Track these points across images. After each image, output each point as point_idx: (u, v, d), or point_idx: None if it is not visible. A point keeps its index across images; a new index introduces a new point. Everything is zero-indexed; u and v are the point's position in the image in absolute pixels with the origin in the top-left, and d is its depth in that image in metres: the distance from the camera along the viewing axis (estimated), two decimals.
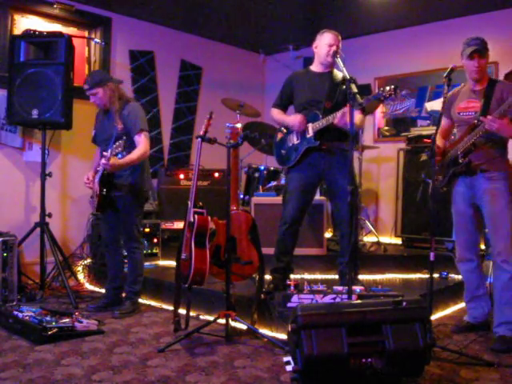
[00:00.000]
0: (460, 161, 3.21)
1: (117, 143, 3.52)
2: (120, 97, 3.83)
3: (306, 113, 3.63)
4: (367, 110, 3.84)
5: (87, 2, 5.27)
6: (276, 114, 3.82)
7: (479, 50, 3.12)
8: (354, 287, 3.18)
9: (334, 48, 3.50)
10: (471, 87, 3.28)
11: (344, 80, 3.04)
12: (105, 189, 3.70)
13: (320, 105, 3.57)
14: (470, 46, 3.13)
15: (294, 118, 3.63)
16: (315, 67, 3.70)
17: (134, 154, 3.68)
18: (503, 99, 3.07)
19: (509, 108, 2.98)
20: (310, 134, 3.58)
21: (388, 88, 3.12)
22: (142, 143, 3.73)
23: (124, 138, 3.59)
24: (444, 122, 3.41)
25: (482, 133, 3.08)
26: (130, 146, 3.71)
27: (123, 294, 4.05)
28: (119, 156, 3.61)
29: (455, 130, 3.53)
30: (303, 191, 3.65)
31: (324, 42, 3.58)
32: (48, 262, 4.54)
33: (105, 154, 3.53)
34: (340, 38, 3.58)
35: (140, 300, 4.08)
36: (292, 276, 3.83)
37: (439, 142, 3.36)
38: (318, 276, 4.30)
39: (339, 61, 3.32)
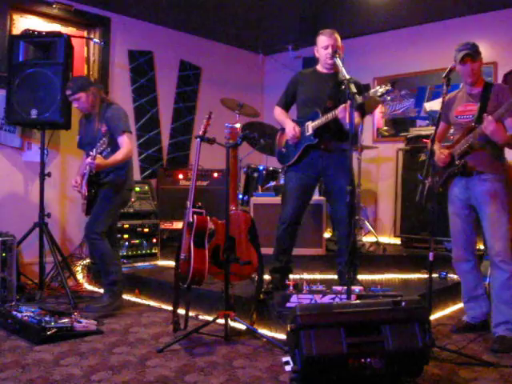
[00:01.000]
0: (456, 162, 3.22)
1: (101, 141, 3.64)
2: (102, 100, 3.93)
3: (307, 110, 3.64)
4: (366, 110, 3.85)
5: (86, 2, 5.26)
6: (278, 113, 3.84)
7: (470, 54, 3.13)
8: (353, 287, 3.18)
9: (330, 49, 3.51)
10: (468, 91, 3.29)
11: (343, 80, 3.05)
12: (93, 190, 3.81)
13: (321, 104, 3.58)
14: (460, 51, 3.16)
15: (292, 126, 3.64)
16: (320, 68, 3.72)
17: (118, 155, 3.78)
18: (499, 102, 3.09)
19: (506, 112, 2.99)
20: (310, 131, 3.58)
21: (385, 85, 3.15)
22: (125, 144, 3.82)
23: (108, 135, 3.70)
24: (440, 125, 3.41)
25: (479, 135, 3.09)
26: (114, 146, 3.79)
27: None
28: (104, 153, 3.73)
29: (452, 130, 3.53)
30: (302, 191, 3.66)
31: (320, 46, 3.61)
32: (47, 262, 4.53)
33: (91, 153, 3.59)
34: (336, 34, 3.58)
35: (139, 300, 4.07)
36: (291, 276, 3.83)
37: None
38: (317, 276, 4.30)
39: (338, 60, 3.32)
